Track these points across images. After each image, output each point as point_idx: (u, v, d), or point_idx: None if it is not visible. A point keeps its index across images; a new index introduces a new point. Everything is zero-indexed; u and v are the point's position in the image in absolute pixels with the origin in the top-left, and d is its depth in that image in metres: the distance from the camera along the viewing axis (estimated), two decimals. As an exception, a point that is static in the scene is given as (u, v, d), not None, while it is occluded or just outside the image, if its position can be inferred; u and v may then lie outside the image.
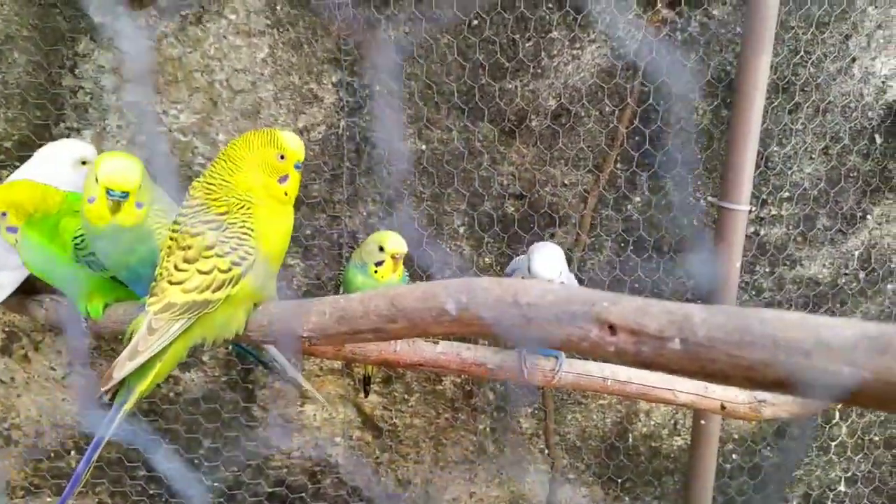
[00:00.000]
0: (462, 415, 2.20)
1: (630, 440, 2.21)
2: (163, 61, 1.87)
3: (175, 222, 1.08)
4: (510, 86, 1.87)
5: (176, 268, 1.03)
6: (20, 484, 2.25)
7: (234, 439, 2.21)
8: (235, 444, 2.21)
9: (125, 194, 1.10)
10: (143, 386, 1.06)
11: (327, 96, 1.90)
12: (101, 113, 1.92)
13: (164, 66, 1.88)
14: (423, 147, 1.93)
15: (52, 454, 2.24)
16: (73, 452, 2.25)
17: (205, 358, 2.16)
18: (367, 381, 1.90)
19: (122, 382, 1.08)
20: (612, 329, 0.70)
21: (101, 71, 1.88)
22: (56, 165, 1.49)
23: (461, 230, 2.00)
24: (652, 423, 2.20)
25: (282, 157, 1.08)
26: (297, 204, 1.98)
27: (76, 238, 1.24)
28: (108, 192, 1.10)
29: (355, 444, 2.25)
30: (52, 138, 1.93)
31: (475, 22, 1.83)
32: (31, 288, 1.50)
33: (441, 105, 1.89)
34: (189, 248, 1.02)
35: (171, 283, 1.02)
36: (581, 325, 0.71)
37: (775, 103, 1.91)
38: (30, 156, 1.87)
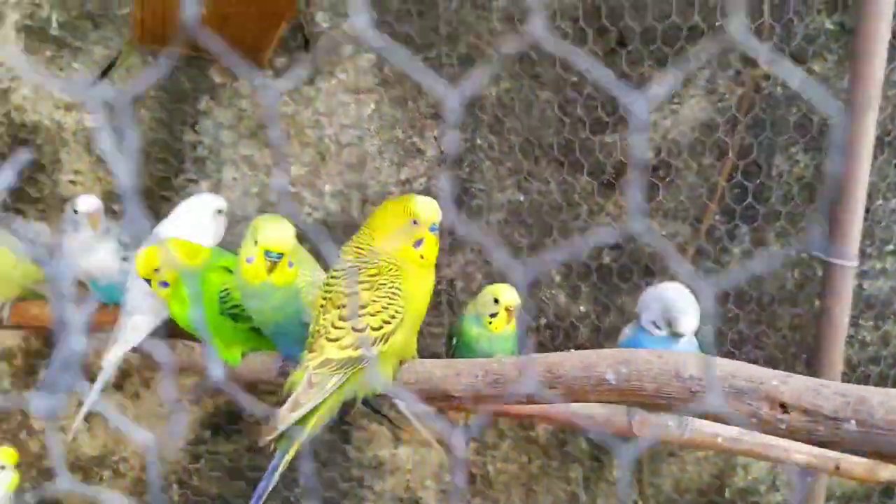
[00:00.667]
0: (555, 462, 2.21)
1: (727, 494, 2.17)
2: (276, 117, 1.99)
3: (327, 283, 1.16)
4: (609, 139, 1.90)
5: (333, 325, 1.09)
6: (126, 515, 2.36)
7: (329, 479, 2.26)
8: (331, 484, 2.26)
9: (281, 255, 1.19)
10: (302, 436, 1.12)
11: (429, 149, 1.97)
12: (218, 166, 2.05)
13: (275, 122, 1.99)
14: (522, 198, 1.97)
15: (157, 487, 2.34)
16: (175, 486, 2.35)
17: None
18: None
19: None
20: (784, 408, 0.72)
21: (220, 127, 2.01)
22: (198, 217, 1.61)
23: (557, 279, 2.03)
24: (750, 477, 2.15)
25: (415, 223, 1.14)
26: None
27: (222, 292, 1.33)
28: (266, 253, 1.18)
29: (446, 488, 2.27)
30: (173, 189, 2.07)
31: (574, 79, 1.88)
32: (161, 332, 1.61)
33: (540, 158, 1.94)
34: (344, 307, 1.09)
35: (328, 339, 1.09)
36: (750, 402, 0.73)
37: (880, 158, 1.88)
38: (152, 205, 2.01)
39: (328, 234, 2.04)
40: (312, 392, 1.07)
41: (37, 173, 2.09)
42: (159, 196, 2.06)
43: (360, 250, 1.15)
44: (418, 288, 1.13)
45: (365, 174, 2.01)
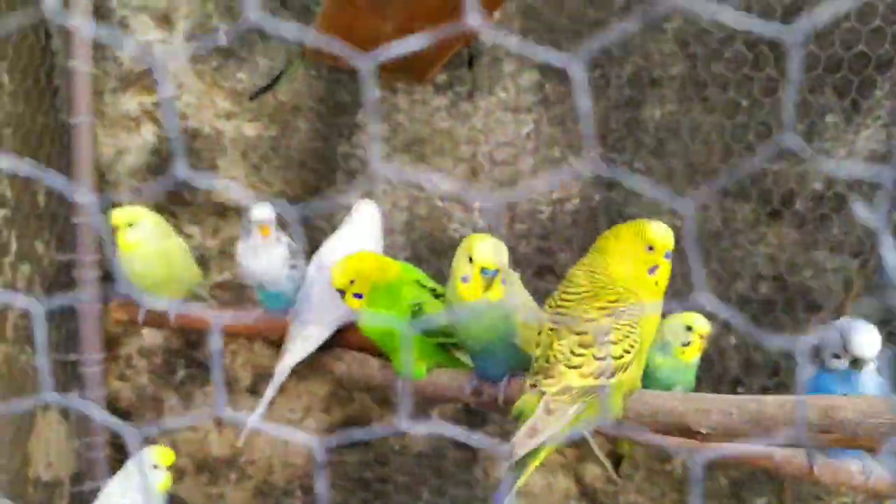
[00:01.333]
0: (689, 498, 2.13)
1: (878, 545, 2.05)
2: (432, 133, 2.00)
3: (559, 305, 1.14)
4: (776, 167, 1.84)
5: (572, 352, 1.08)
6: (248, 517, 2.38)
7: (452, 497, 2.24)
8: (453, 502, 2.24)
9: (496, 272, 1.19)
10: (535, 462, 1.11)
11: (586, 171, 1.95)
12: (369, 178, 2.07)
13: (432, 137, 2.00)
14: (678, 223, 1.92)
15: (281, 492, 2.37)
16: (298, 492, 2.37)
17: (433, 413, 2.23)
18: (618, 461, 1.87)
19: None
20: None
21: (376, 140, 2.04)
22: (370, 228, 1.63)
23: (709, 308, 1.97)
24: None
25: (650, 248, 1.12)
26: (544, 273, 2.03)
27: (414, 306, 1.34)
28: (483, 270, 1.18)
29: (572, 516, 2.22)
30: (322, 199, 2.10)
31: (744, 102, 1.83)
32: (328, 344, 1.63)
33: (701, 184, 1.89)
34: (585, 333, 1.07)
35: (568, 366, 1.07)
36: None
37: None
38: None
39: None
40: (551, 419, 1.05)
41: (191, 178, 2.15)
42: (309, 206, 2.10)
43: (594, 274, 1.13)
44: (651, 316, 1.10)
45: (516, 192, 2.00)
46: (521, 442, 1.06)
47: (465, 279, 1.21)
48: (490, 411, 1.60)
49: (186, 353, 2.29)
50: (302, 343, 1.56)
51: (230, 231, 2.18)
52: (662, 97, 1.85)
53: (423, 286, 1.40)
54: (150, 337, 2.30)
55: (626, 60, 1.84)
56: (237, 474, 2.37)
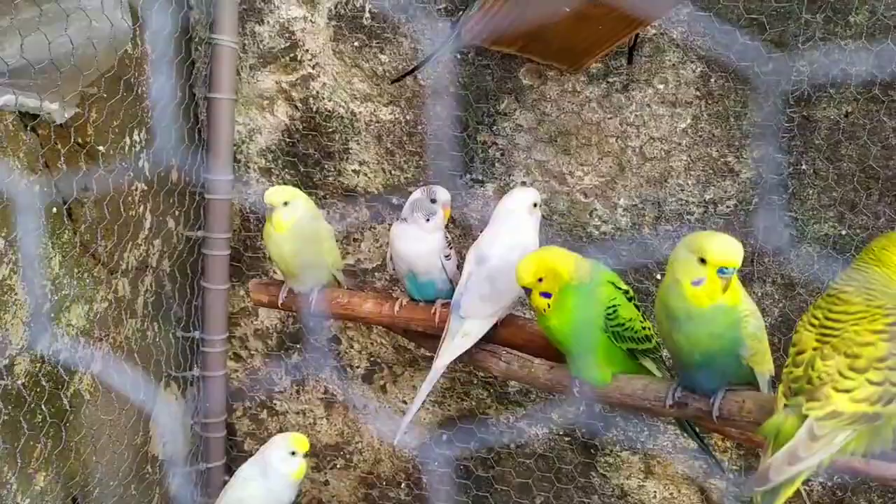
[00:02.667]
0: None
1: None
2: (580, 125, 1.91)
3: (826, 319, 1.06)
4: (961, 177, 1.71)
5: (841, 374, 0.99)
6: (351, 506, 2.35)
7: (567, 502, 2.17)
8: (567, 508, 2.17)
9: (734, 270, 1.11)
10: (788, 491, 1.02)
11: (744, 171, 1.84)
12: (507, 168, 2.00)
13: (580, 129, 1.92)
14: (844, 232, 1.81)
15: (385, 483, 2.32)
16: (402, 485, 2.32)
17: (554, 416, 2.15)
18: None
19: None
20: None
21: (518, 129, 1.96)
22: (516, 213, 1.56)
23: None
24: None
25: None
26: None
27: (608, 308, 1.26)
28: (720, 270, 1.11)
29: (693, 531, 2.13)
30: (455, 188, 2.03)
31: (930, 107, 1.70)
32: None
33: (874, 191, 1.77)
34: (858, 356, 0.99)
35: (836, 389, 0.98)
36: None
37: None
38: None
39: (613, 250, 1.95)
40: (816, 446, 0.97)
41: (324, 159, 2.11)
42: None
43: (871, 291, 1.04)
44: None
45: (665, 190, 1.90)
46: (779, 468, 0.97)
47: (697, 283, 1.13)
48: (688, 425, 1.48)
49: (302, 336, 2.26)
50: (461, 339, 1.50)
51: (357, 215, 2.14)
52: (841, 97, 1.74)
53: (618, 287, 1.32)
54: (267, 319, 2.28)
55: (803, 54, 1.73)
56: (344, 462, 2.34)
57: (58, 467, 1.61)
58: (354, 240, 2.16)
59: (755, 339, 1.16)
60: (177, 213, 2.05)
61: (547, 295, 1.27)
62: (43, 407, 1.55)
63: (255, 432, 2.38)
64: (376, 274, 2.17)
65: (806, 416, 0.99)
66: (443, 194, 1.62)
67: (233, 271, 2.17)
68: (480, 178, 2.03)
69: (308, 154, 2.12)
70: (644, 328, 1.31)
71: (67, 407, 1.63)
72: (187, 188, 2.06)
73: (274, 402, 2.34)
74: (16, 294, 1.47)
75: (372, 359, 2.25)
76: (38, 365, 1.55)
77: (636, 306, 1.33)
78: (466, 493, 2.23)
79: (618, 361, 1.31)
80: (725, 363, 1.17)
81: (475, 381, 2.18)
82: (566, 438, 2.15)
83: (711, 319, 1.13)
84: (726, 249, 1.12)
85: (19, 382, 1.48)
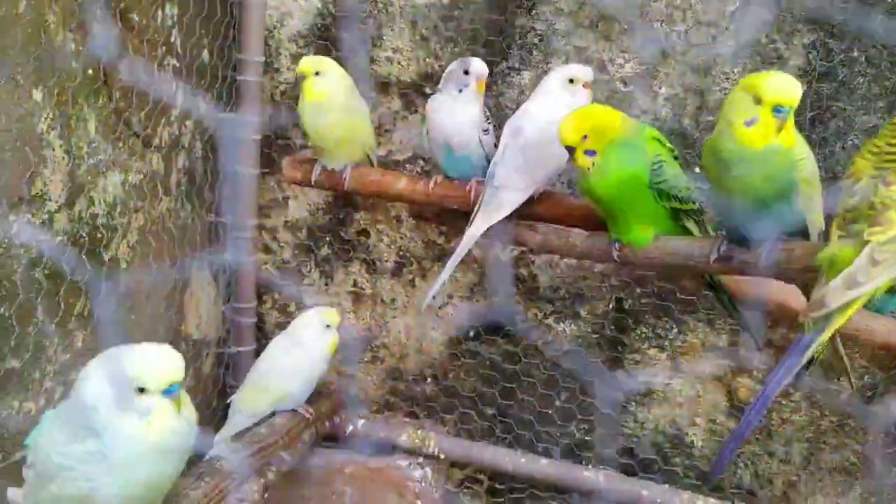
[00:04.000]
0: (853, 421, 2.01)
1: None
2: (625, 8, 1.85)
3: (886, 152, 1.02)
4: None
5: None
6: (378, 400, 2.38)
7: (590, 399, 2.18)
8: (591, 404, 2.18)
9: (790, 110, 1.08)
10: (842, 319, 1.01)
11: (793, 58, 1.78)
12: (545, 55, 1.95)
13: (623, 13, 1.85)
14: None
15: (412, 378, 2.35)
16: (429, 380, 2.35)
17: (583, 312, 2.15)
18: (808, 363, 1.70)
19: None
20: None
21: (559, 14, 1.90)
22: (556, 88, 1.52)
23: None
24: None
25: None
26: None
27: (654, 164, 1.23)
28: (776, 109, 1.07)
29: (717, 430, 2.14)
30: (491, 76, 1.99)
31: None
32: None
33: (930, 80, 1.70)
34: None
35: None
36: None
37: None
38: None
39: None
40: (876, 271, 0.95)
41: (357, 46, 2.07)
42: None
43: None
44: None
45: (709, 79, 1.85)
46: (836, 293, 0.96)
47: (750, 123, 1.09)
48: (725, 298, 1.45)
49: (332, 229, 2.26)
50: (495, 210, 1.48)
51: (390, 105, 2.11)
52: (900, -24, 1.65)
53: (662, 143, 1.29)
54: (296, 211, 2.28)
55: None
56: (370, 356, 2.37)
57: (95, 329, 1.64)
58: (386, 131, 2.13)
59: (809, 183, 1.13)
60: (208, 95, 2.03)
61: (591, 153, 1.24)
62: (79, 270, 1.57)
63: (285, 324, 2.41)
64: (407, 166, 2.15)
65: (865, 244, 0.97)
66: (477, 66, 1.59)
67: (263, 162, 2.16)
68: (517, 65, 1.98)
69: (340, 39, 2.07)
70: (688, 188, 1.29)
71: (104, 271, 1.65)
72: (219, 71, 2.03)
73: (303, 295, 2.36)
74: (54, 150, 1.47)
75: (401, 253, 2.25)
76: (76, 225, 1.56)
77: (681, 166, 1.30)
78: (486, 393, 2.25)
79: (660, 222, 1.30)
80: (777, 210, 1.14)
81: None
82: (593, 336, 2.16)
83: (765, 161, 1.11)
84: (782, 86, 1.09)
85: (59, 238, 1.50)
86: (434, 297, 1.60)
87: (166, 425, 1.05)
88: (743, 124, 1.11)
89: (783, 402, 2.06)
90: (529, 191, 1.49)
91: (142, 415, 1.03)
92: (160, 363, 1.05)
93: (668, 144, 1.31)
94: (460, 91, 1.57)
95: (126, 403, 1.02)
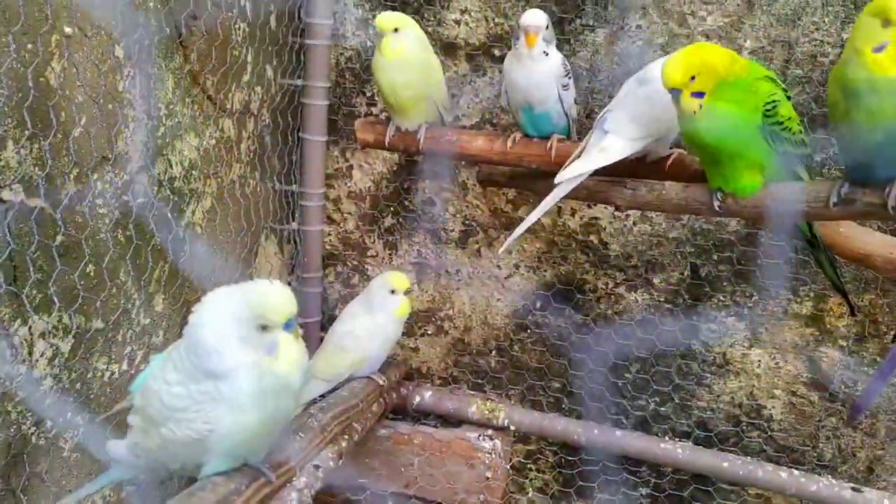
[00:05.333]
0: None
1: None
2: (707, -43, 1.77)
3: None
4: None
5: None
6: (441, 373, 2.35)
7: (663, 370, 2.12)
8: (664, 375, 2.12)
9: None
10: None
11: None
12: (622, 11, 1.88)
13: (705, -38, 1.78)
14: None
15: (475, 351, 2.31)
16: (493, 352, 2.31)
17: (656, 280, 2.09)
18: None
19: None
20: None
21: (637, -34, 1.83)
22: None
23: None
24: None
25: None
26: (816, 126, 1.80)
27: (768, 104, 1.17)
28: None
29: (797, 402, 2.06)
30: (563, 35, 1.93)
31: None
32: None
33: None
34: None
35: None
36: None
37: None
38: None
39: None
40: None
41: (424, 7, 2.02)
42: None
43: None
44: None
45: (797, 30, 1.76)
46: None
47: (880, 49, 1.02)
48: (827, 261, 1.36)
49: (396, 199, 2.23)
50: (598, 153, 1.41)
51: (457, 69, 2.06)
52: None
53: (776, 83, 1.22)
54: (360, 181, 2.25)
55: None
56: (434, 328, 2.33)
57: (174, 294, 1.64)
58: (453, 95, 2.08)
59: None
60: (275, 61, 2.00)
61: (699, 95, 1.18)
62: (159, 232, 1.56)
63: (348, 297, 2.39)
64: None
65: None
66: (527, 17, 1.50)
67: (329, 130, 2.13)
68: (591, 22, 1.91)
69: (407, 2, 2.03)
70: (801, 129, 1.22)
71: (182, 235, 1.64)
72: (286, 37, 2.01)
73: (366, 266, 2.33)
74: (134, 109, 1.46)
75: (467, 222, 2.21)
76: (155, 188, 1.55)
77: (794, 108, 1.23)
78: (553, 364, 2.20)
79: (770, 168, 1.22)
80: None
81: (573, 245, 2.13)
82: (666, 306, 2.09)
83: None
84: None
85: (138, 201, 1.49)
86: (515, 240, 1.53)
87: (293, 357, 1.04)
88: (872, 50, 1.05)
89: (869, 372, 1.97)
90: (638, 144, 1.41)
91: (269, 350, 1.01)
92: (278, 299, 1.04)
93: (782, 84, 1.24)
94: (514, 46, 1.51)
95: (253, 342, 1.00)
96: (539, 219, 2.09)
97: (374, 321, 1.70)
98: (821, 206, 1.17)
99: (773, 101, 1.17)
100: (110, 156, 1.40)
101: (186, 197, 1.66)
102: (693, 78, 1.17)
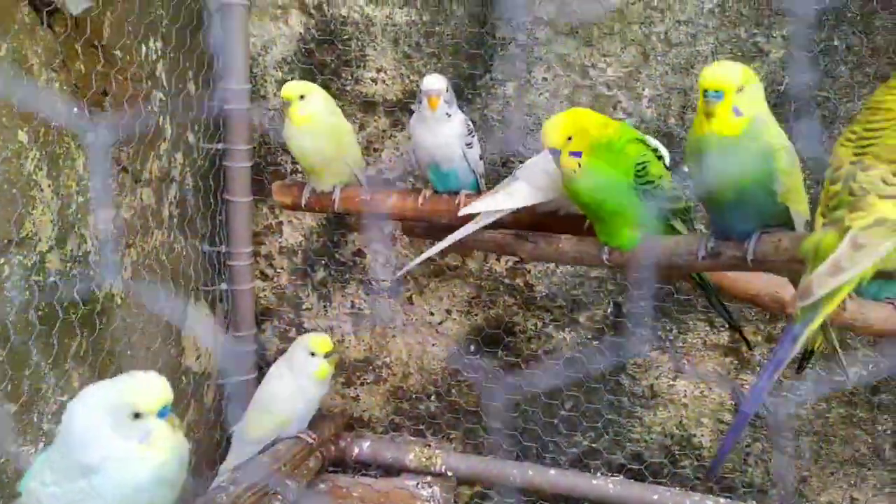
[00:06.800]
0: (861, 412, 2.00)
1: None
2: (602, 13, 1.86)
3: (864, 137, 1.02)
4: None
5: (884, 181, 0.97)
6: (382, 421, 2.37)
7: (594, 407, 2.17)
8: (596, 411, 2.17)
9: (721, 95, 1.08)
10: (828, 308, 1.01)
11: (774, 50, 1.78)
12: (528, 65, 1.96)
13: (602, 17, 1.86)
14: (878, 110, 1.75)
15: (414, 397, 2.34)
16: (432, 397, 2.34)
17: (581, 319, 2.14)
18: (807, 355, 1.71)
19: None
20: None
21: (539, 23, 1.91)
22: None
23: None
24: None
25: None
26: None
27: (638, 165, 1.23)
28: (705, 93, 1.08)
29: (724, 429, 2.13)
30: (475, 89, 2.00)
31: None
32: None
33: (912, 65, 1.70)
34: None
35: (880, 197, 0.96)
36: None
37: None
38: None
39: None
40: (859, 256, 0.94)
41: (341, 68, 2.08)
42: (465, 97, 2.00)
43: None
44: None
45: (691, 78, 1.85)
46: (821, 281, 0.95)
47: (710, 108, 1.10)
48: (716, 300, 1.45)
49: (327, 252, 2.26)
50: (504, 196, 1.47)
51: (377, 125, 2.11)
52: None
53: (646, 145, 1.29)
54: (291, 236, 2.28)
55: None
56: (373, 377, 2.36)
57: (92, 367, 1.64)
58: (375, 150, 2.14)
59: (788, 174, 1.12)
60: (195, 126, 2.04)
61: (577, 154, 1.24)
62: (75, 305, 1.57)
63: (285, 350, 2.40)
64: (398, 184, 2.15)
65: (847, 230, 0.97)
66: (428, 82, 1.57)
67: (255, 189, 2.16)
68: (500, 76, 1.99)
69: (325, 63, 2.09)
70: (673, 188, 1.29)
71: (100, 308, 1.65)
72: (203, 100, 2.04)
73: (302, 319, 2.35)
74: (42, 191, 1.47)
75: (397, 271, 2.25)
76: (68, 264, 1.56)
77: (665, 166, 1.30)
78: (489, 407, 2.24)
79: (647, 223, 1.29)
80: (758, 201, 1.14)
81: (501, 289, 2.18)
82: (594, 343, 2.15)
83: (741, 150, 1.10)
84: (708, 71, 1.10)
85: (51, 279, 1.50)
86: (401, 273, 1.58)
87: (168, 445, 1.04)
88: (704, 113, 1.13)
89: (790, 396, 2.04)
90: (544, 195, 1.46)
91: (142, 438, 1.02)
92: (151, 387, 1.05)
93: (653, 144, 1.31)
94: (418, 109, 1.58)
95: (124, 431, 1.01)
96: (468, 265, 2.14)
97: (296, 382, 1.72)
98: (693, 259, 1.24)
99: (643, 163, 1.24)
100: (15, 238, 1.41)
101: (103, 270, 1.67)
102: (570, 139, 1.24)
